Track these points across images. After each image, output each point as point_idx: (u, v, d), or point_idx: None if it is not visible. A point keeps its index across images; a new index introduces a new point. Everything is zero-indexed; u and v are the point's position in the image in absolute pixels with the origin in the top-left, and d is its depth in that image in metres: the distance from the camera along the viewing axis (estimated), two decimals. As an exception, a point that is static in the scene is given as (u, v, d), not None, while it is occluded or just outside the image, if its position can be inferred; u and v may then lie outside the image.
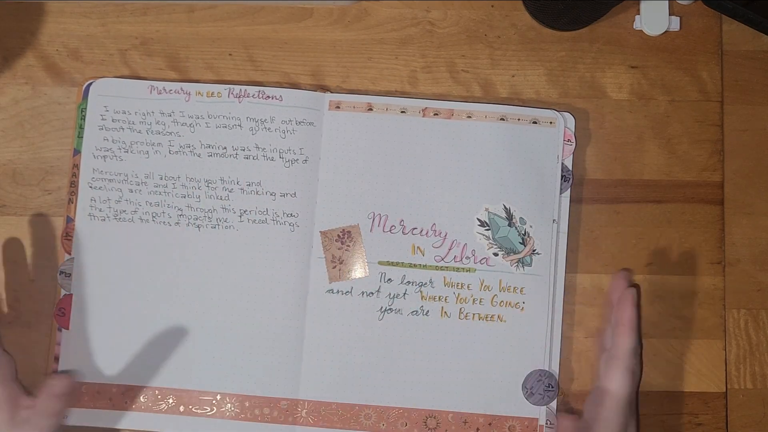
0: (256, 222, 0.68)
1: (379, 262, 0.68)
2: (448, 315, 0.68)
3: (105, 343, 0.67)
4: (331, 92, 0.70)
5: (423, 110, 0.69)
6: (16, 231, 0.69)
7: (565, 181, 0.69)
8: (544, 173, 0.69)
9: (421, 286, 0.68)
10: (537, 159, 0.69)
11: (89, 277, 0.68)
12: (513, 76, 0.71)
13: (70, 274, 0.68)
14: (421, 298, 0.68)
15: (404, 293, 0.68)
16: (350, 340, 0.68)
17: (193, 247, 0.68)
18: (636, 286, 0.69)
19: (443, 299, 0.68)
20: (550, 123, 0.69)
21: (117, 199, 0.68)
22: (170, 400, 0.67)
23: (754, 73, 0.72)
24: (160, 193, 0.68)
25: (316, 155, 0.69)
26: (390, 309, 0.68)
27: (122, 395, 0.67)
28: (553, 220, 0.69)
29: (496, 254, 0.68)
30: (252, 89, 0.69)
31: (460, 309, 0.68)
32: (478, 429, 0.67)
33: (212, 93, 0.69)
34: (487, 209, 0.68)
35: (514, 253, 0.68)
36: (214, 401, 0.67)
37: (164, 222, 0.68)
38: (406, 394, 0.67)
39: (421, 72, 0.71)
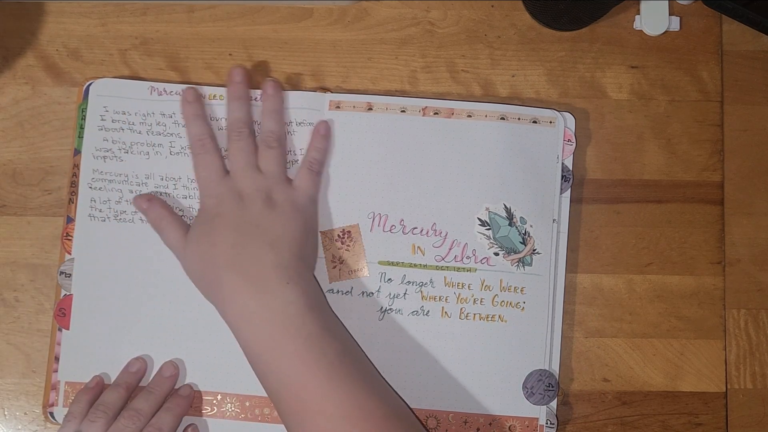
0: (257, 222, 0.68)
1: (380, 262, 0.68)
2: (449, 315, 0.68)
3: (105, 343, 0.67)
4: (332, 92, 0.70)
5: (423, 109, 0.69)
6: (16, 231, 0.69)
7: (565, 181, 0.69)
8: (544, 173, 0.69)
9: (421, 286, 0.68)
10: (537, 158, 0.69)
11: (89, 278, 0.68)
12: (513, 76, 0.71)
13: (71, 275, 0.67)
14: (422, 298, 0.68)
15: (404, 293, 0.68)
16: (350, 340, 0.68)
17: (194, 247, 0.68)
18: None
19: (444, 299, 0.68)
20: (550, 123, 0.69)
21: (117, 199, 0.68)
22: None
23: (754, 73, 0.72)
24: (161, 194, 0.68)
25: (316, 155, 0.69)
26: (390, 309, 0.68)
27: (123, 395, 0.67)
28: (553, 220, 0.69)
29: (496, 254, 0.68)
30: (253, 92, 0.69)
31: (461, 309, 0.68)
32: (478, 429, 0.67)
33: (213, 95, 0.69)
34: (487, 209, 0.68)
35: (515, 252, 0.68)
36: (214, 401, 0.67)
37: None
38: (406, 394, 0.67)
39: (421, 72, 0.71)
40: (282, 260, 0.63)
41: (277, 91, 0.68)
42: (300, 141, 0.69)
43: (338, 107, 0.69)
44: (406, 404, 0.66)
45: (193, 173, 0.67)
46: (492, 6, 0.72)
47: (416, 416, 0.66)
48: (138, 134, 0.69)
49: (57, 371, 0.67)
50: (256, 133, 0.68)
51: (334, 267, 0.68)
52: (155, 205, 0.67)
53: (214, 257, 0.63)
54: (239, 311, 0.62)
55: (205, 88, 0.69)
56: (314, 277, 0.66)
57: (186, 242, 0.65)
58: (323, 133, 0.68)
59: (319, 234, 0.68)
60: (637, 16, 0.71)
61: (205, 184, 0.66)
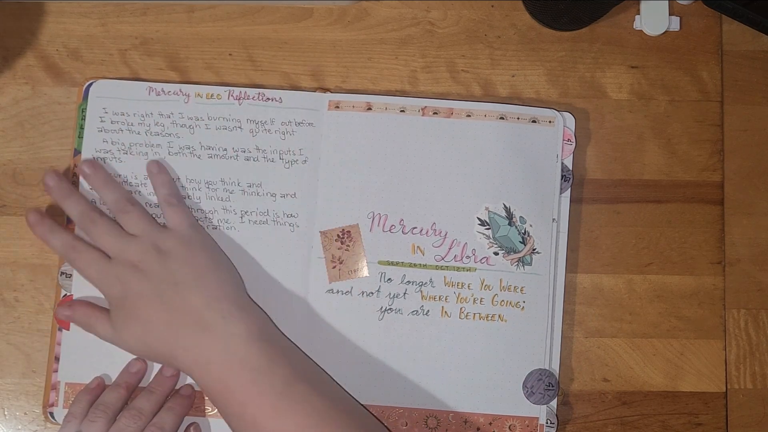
0: (257, 223, 0.68)
1: (379, 262, 0.68)
2: (449, 315, 0.68)
3: (105, 343, 0.67)
4: (331, 92, 0.70)
5: (422, 109, 0.69)
6: (16, 231, 0.69)
7: (565, 181, 0.69)
8: (544, 172, 0.69)
9: (421, 285, 0.68)
10: (536, 158, 0.69)
11: (89, 278, 0.68)
12: (513, 76, 0.71)
13: (71, 275, 0.67)
14: (422, 298, 0.68)
15: (404, 293, 0.68)
16: (350, 340, 0.67)
17: (194, 247, 0.68)
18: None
19: (443, 299, 0.68)
20: (550, 122, 0.69)
21: (117, 200, 0.68)
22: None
23: (754, 73, 0.72)
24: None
25: (315, 156, 0.69)
26: (390, 309, 0.68)
27: (123, 395, 0.67)
28: (553, 220, 0.69)
29: (496, 253, 0.68)
30: (252, 91, 0.69)
31: (461, 308, 0.68)
32: (478, 429, 0.67)
33: (212, 95, 0.69)
34: (487, 208, 0.68)
35: (515, 252, 0.68)
36: (214, 401, 0.67)
37: (164, 223, 0.68)
38: (407, 394, 0.67)
39: (421, 72, 0.71)
40: (209, 297, 0.63)
41: (96, 169, 0.67)
42: (300, 141, 0.69)
43: (338, 107, 0.69)
44: (379, 420, 0.66)
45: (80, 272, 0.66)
46: (492, 6, 0.72)
47: (386, 427, 0.66)
48: (137, 135, 0.69)
49: (57, 371, 0.67)
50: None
51: (334, 267, 0.68)
52: (78, 308, 0.66)
53: (150, 332, 0.63)
54: (190, 359, 0.62)
55: (203, 87, 0.69)
56: (250, 299, 0.66)
57: (116, 331, 0.64)
58: (156, 172, 0.68)
59: (319, 234, 0.68)
60: (637, 16, 0.71)
61: (99, 278, 0.65)
